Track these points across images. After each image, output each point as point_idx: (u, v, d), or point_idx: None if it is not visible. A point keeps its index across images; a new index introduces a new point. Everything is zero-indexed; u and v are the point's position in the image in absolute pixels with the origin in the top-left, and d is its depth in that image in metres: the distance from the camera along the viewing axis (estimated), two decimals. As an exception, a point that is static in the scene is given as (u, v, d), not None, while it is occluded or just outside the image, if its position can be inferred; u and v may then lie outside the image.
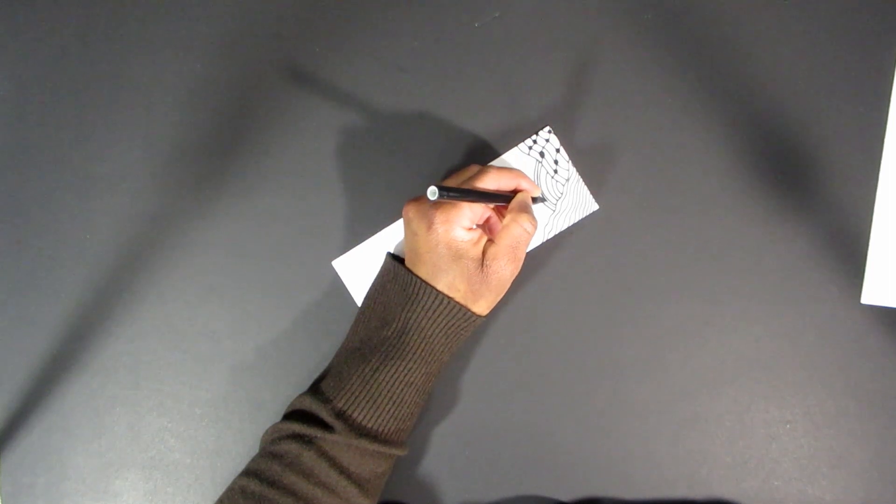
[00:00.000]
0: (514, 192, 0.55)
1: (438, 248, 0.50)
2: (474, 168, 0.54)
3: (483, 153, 0.58)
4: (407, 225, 0.53)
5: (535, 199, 0.57)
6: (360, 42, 0.59)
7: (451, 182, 0.54)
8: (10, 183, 0.60)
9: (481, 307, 0.52)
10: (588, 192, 0.58)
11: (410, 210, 0.52)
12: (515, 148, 0.58)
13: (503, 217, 0.53)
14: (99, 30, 0.60)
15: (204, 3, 0.59)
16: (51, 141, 0.60)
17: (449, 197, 0.44)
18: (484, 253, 0.52)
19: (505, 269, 0.52)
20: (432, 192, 0.43)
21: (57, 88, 0.60)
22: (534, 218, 0.53)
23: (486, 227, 0.55)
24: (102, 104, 0.60)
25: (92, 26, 0.60)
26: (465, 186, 0.52)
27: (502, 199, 0.53)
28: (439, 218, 0.50)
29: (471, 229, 0.51)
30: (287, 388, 0.59)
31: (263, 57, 0.59)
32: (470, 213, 0.51)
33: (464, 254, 0.51)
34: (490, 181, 0.52)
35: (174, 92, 0.59)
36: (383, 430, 0.50)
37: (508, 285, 0.53)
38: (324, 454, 0.49)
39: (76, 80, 0.60)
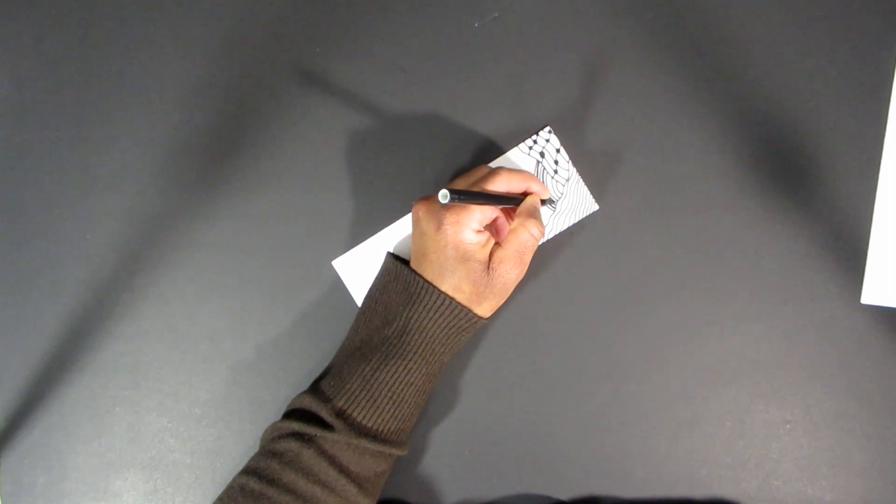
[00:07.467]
0: (524, 194, 0.54)
1: (446, 249, 0.50)
2: (484, 169, 0.54)
3: (483, 153, 0.58)
4: (416, 224, 0.53)
5: (543, 202, 0.57)
6: (360, 42, 0.59)
7: (461, 183, 0.54)
8: (10, 183, 0.60)
9: (484, 309, 0.52)
10: (588, 193, 0.58)
11: (420, 209, 0.52)
12: (516, 148, 0.58)
13: (511, 218, 0.53)
14: (99, 29, 0.60)
15: (204, 3, 0.59)
16: (51, 141, 0.60)
17: (460, 200, 0.44)
18: (490, 256, 0.52)
19: (510, 273, 0.52)
20: (443, 196, 0.42)
21: (57, 88, 0.60)
22: (541, 223, 0.53)
23: (493, 227, 0.55)
24: (102, 104, 0.60)
25: (92, 26, 0.60)
26: (476, 188, 0.52)
27: (512, 202, 0.53)
28: (449, 219, 0.50)
29: (480, 231, 0.51)
30: (287, 388, 0.59)
31: (263, 57, 0.59)
32: (479, 216, 0.51)
33: (471, 256, 0.50)
34: (501, 183, 0.52)
35: (174, 92, 0.59)
36: (383, 430, 0.50)
37: (512, 289, 0.53)
38: (323, 453, 0.49)
39: (76, 79, 0.60)
